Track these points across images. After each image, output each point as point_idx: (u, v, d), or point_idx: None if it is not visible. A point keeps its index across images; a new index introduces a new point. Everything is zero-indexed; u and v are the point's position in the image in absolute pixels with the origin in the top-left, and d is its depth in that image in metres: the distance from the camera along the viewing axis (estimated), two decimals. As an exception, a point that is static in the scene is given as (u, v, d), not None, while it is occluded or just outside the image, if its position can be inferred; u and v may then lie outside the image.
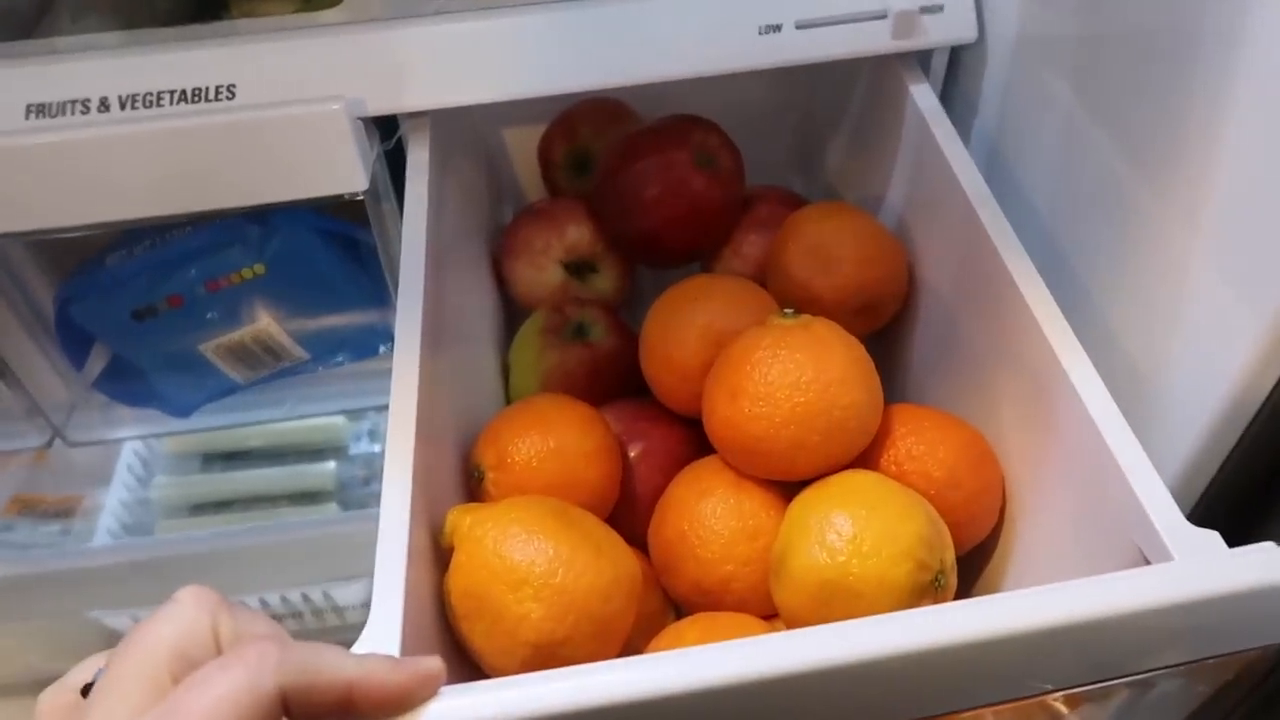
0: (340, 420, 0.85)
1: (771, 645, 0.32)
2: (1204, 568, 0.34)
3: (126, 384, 0.67)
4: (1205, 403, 0.43)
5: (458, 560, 0.43)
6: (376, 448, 0.87)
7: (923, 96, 0.58)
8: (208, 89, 0.53)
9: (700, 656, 0.32)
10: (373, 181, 0.55)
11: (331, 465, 0.82)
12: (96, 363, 0.66)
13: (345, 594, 0.77)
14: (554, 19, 0.55)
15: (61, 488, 0.84)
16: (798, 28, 0.56)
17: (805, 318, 0.49)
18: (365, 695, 0.29)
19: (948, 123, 0.56)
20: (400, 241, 0.50)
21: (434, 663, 0.31)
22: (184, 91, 0.53)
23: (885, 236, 0.58)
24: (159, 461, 0.84)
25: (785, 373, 0.46)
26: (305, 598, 0.76)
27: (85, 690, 0.31)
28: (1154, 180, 0.45)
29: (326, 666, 0.29)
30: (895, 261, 0.58)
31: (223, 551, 0.72)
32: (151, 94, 0.53)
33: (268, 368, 0.67)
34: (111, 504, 0.80)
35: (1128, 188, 0.47)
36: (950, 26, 0.58)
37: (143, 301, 0.62)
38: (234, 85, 0.53)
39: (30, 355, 0.66)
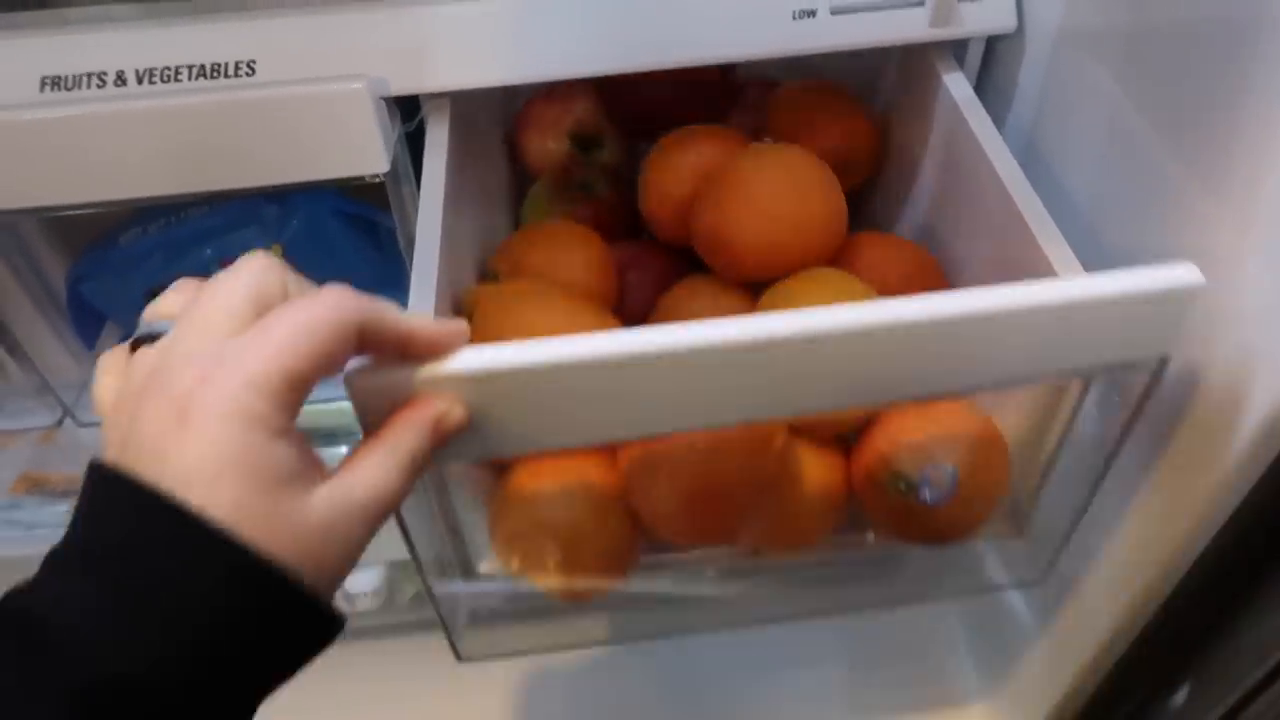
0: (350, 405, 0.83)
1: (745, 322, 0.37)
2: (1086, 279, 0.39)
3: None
4: (1256, 404, 0.42)
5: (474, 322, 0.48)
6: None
7: (957, 85, 0.56)
8: (227, 65, 0.51)
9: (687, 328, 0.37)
10: (394, 163, 0.53)
11: (344, 450, 0.81)
12: (108, 341, 0.65)
13: (355, 581, 0.76)
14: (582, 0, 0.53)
15: (70, 467, 0.83)
16: (833, 13, 0.54)
17: (781, 144, 0.56)
18: (416, 340, 0.36)
19: (983, 113, 0.55)
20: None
21: (462, 324, 0.37)
22: (202, 67, 0.51)
23: (856, 114, 0.64)
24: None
25: (763, 181, 0.54)
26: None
27: (135, 345, 0.34)
28: (1205, 178, 0.43)
29: (389, 313, 0.34)
30: (864, 130, 0.64)
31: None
32: (170, 68, 0.51)
33: None
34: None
35: (1176, 186, 0.46)
36: (989, 16, 0.56)
37: (156, 280, 0.61)
38: (254, 61, 0.51)
39: (41, 333, 0.65)
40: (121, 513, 0.30)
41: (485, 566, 0.53)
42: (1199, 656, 0.57)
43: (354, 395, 0.36)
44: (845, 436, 0.54)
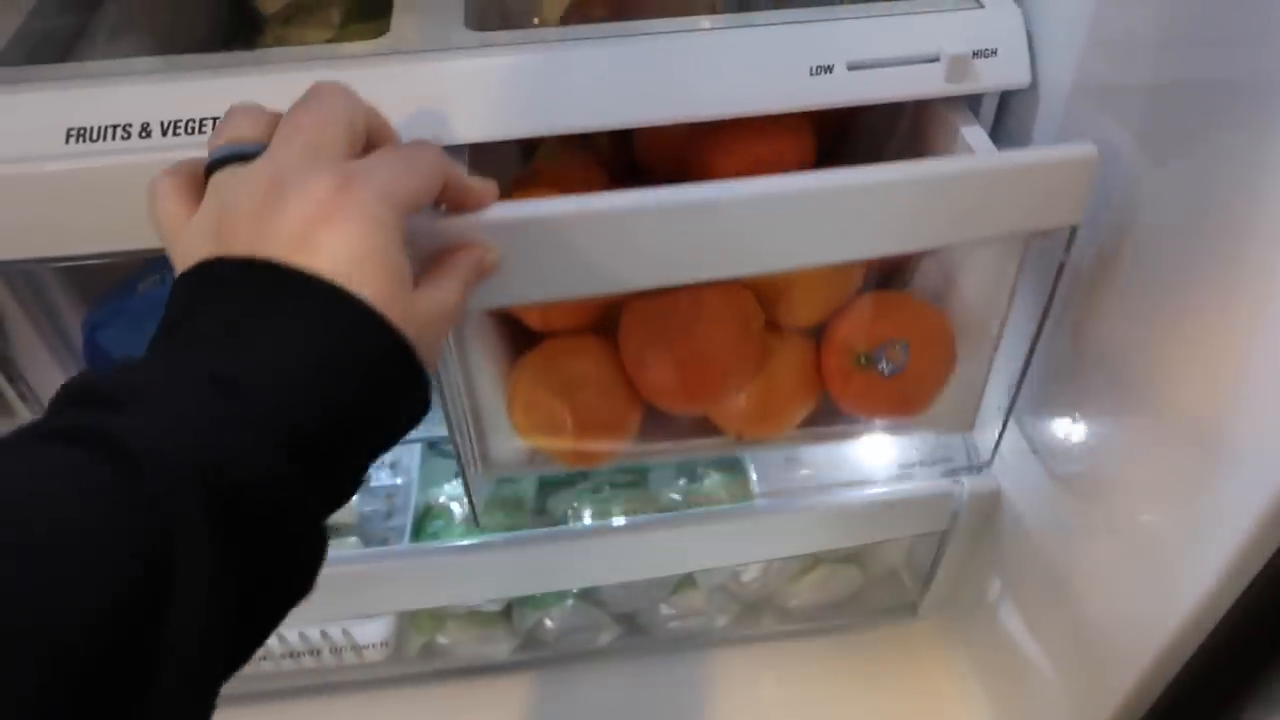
0: None
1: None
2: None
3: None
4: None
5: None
6: (399, 480, 0.85)
7: (974, 137, 0.57)
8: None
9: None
10: (413, 215, 0.54)
11: (352, 497, 0.81)
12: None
13: (365, 633, 0.75)
14: (600, 54, 0.54)
15: None
16: (849, 69, 0.55)
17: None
18: (470, 194, 0.44)
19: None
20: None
21: (493, 184, 0.46)
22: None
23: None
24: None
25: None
26: (324, 635, 0.75)
27: (210, 169, 0.39)
28: (1218, 248, 0.44)
29: (458, 169, 0.44)
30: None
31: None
32: (194, 120, 0.52)
33: None
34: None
35: (1191, 253, 0.46)
36: (1004, 71, 0.57)
37: (173, 329, 0.61)
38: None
39: (56, 381, 0.65)
40: (291, 294, 0.35)
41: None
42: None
43: (423, 235, 0.44)
44: (815, 331, 0.63)
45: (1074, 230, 0.53)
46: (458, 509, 0.81)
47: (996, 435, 0.68)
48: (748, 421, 0.63)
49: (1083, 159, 0.50)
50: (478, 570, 0.72)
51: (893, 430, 0.69)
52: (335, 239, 0.35)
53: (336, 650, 0.77)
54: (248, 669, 0.75)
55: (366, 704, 0.81)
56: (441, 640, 0.82)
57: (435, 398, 0.49)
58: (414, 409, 0.38)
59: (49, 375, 0.64)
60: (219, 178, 0.38)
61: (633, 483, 0.83)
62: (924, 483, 0.75)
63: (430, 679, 0.83)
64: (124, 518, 0.29)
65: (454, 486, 0.83)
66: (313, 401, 0.34)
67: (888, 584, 0.89)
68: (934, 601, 0.86)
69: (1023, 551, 0.73)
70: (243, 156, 0.38)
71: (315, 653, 0.77)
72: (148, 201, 0.41)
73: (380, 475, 0.84)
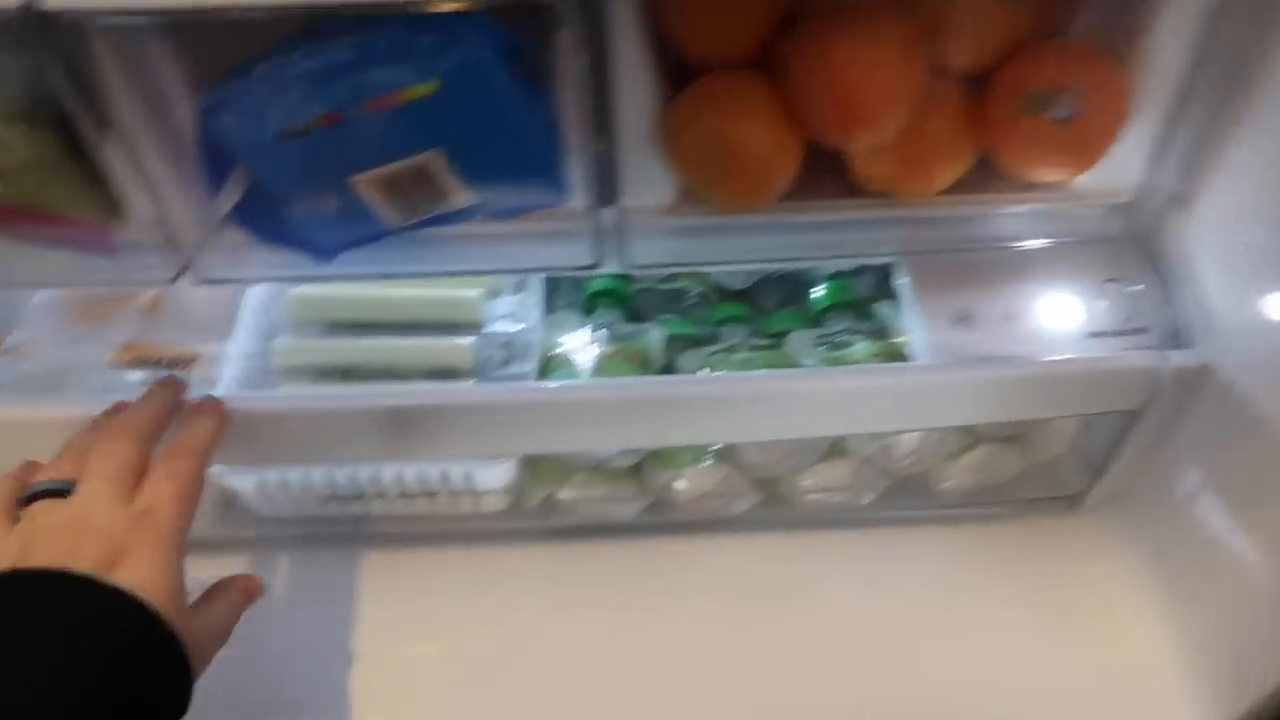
0: (476, 295, 0.76)
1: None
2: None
3: (265, 217, 0.59)
4: None
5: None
6: (516, 327, 0.78)
7: None
8: None
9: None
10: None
11: (469, 340, 0.74)
12: (235, 189, 0.58)
13: (486, 476, 0.70)
14: None
15: (178, 340, 0.78)
16: None
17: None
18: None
19: None
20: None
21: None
22: None
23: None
24: (282, 326, 0.77)
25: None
26: (445, 476, 0.69)
27: (34, 498, 0.49)
28: None
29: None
30: None
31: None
32: None
33: (423, 211, 0.59)
34: (230, 361, 0.73)
35: None
36: None
37: (293, 118, 0.53)
38: None
39: (161, 178, 0.58)
40: (83, 595, 0.45)
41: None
42: None
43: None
44: (977, 82, 0.59)
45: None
46: (582, 359, 0.74)
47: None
48: (900, 169, 0.60)
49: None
50: (607, 416, 0.66)
51: (1047, 199, 0.63)
52: (128, 568, 0.46)
53: (454, 495, 0.72)
54: (354, 507, 0.71)
55: (479, 558, 0.75)
56: (564, 495, 0.76)
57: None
58: (179, 707, 0.46)
59: (153, 169, 0.57)
60: (34, 508, 0.49)
61: (770, 347, 0.75)
62: (1119, 354, 0.65)
63: (548, 536, 0.78)
64: None
65: (575, 338, 0.76)
66: (90, 689, 0.42)
67: (1050, 471, 0.80)
68: (1104, 493, 0.77)
69: (1228, 439, 0.64)
70: (56, 492, 0.49)
71: (431, 494, 0.72)
72: None
73: (496, 323, 0.77)
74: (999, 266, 0.68)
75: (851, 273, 0.79)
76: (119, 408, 0.57)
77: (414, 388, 0.69)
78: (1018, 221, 0.65)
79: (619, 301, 0.78)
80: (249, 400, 0.63)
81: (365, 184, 0.56)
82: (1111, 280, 0.67)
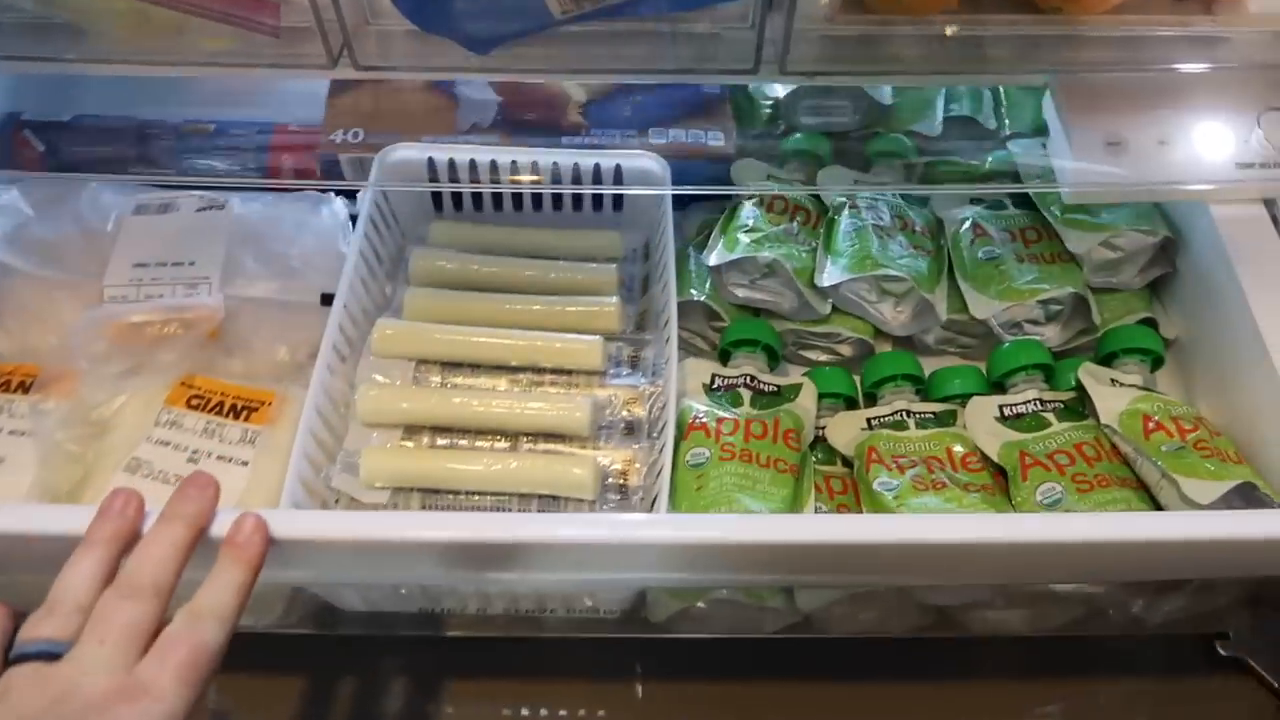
0: (595, 342, 0.67)
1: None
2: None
3: (428, 3, 0.58)
4: None
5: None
6: (642, 383, 0.67)
7: None
8: None
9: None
10: None
11: (587, 402, 0.64)
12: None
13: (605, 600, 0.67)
14: None
15: (246, 374, 0.68)
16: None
17: None
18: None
19: None
20: None
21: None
22: None
23: None
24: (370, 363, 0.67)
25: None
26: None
27: (17, 660, 0.42)
28: None
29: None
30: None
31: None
32: None
33: (589, 1, 0.57)
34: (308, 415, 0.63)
35: None
36: None
37: None
38: None
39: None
40: None
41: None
42: None
43: None
44: None
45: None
46: (718, 423, 0.64)
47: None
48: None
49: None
50: (771, 559, 0.54)
51: (1217, 20, 0.59)
52: None
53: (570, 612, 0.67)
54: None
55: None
56: (700, 606, 0.66)
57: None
58: None
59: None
60: (16, 678, 0.42)
61: (942, 418, 0.68)
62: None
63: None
64: None
65: (706, 401, 0.67)
66: None
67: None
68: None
69: None
70: (48, 655, 0.42)
71: (543, 611, 0.68)
72: None
73: (620, 373, 0.67)
74: (1153, 91, 0.65)
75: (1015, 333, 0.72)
76: (134, 509, 0.48)
77: (508, 523, 0.53)
78: (1180, 45, 0.63)
79: (762, 349, 0.70)
80: (304, 524, 0.52)
81: (530, -34, 0.54)
82: (1274, 109, 0.66)
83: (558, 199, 0.77)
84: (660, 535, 0.53)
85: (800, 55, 0.59)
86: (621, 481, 0.63)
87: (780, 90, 0.80)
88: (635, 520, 0.58)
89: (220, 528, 0.49)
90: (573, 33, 0.57)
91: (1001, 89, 0.85)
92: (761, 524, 0.54)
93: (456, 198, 0.77)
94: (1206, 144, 0.64)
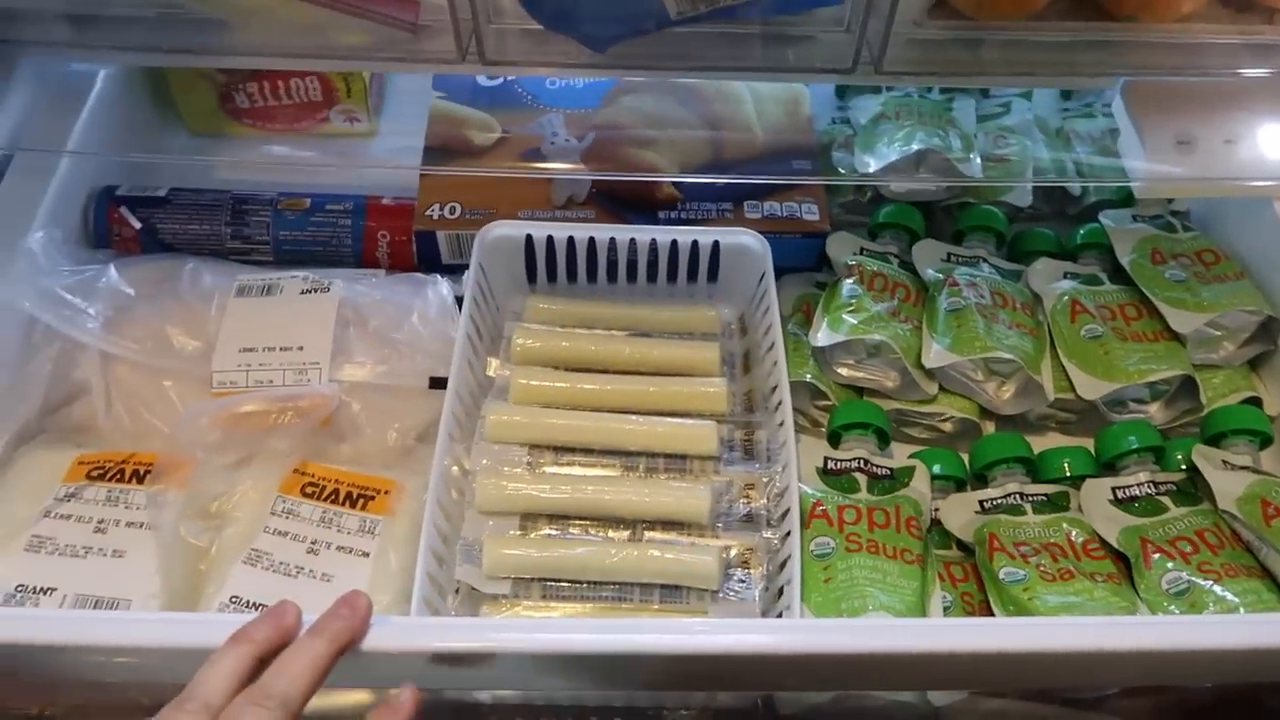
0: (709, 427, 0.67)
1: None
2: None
3: (552, 2, 0.59)
4: None
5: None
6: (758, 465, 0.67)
7: None
8: None
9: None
10: None
11: (707, 491, 0.64)
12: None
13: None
14: None
15: (359, 460, 0.67)
16: None
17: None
18: None
19: None
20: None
21: None
22: None
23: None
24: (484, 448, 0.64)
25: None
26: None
27: None
28: None
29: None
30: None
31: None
32: None
33: (705, 2, 0.57)
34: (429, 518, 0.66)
35: None
36: None
37: None
38: None
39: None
40: None
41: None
42: None
43: None
44: None
45: None
46: (839, 511, 0.64)
47: None
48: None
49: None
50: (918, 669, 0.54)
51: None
52: None
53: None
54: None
55: None
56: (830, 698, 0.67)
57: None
58: None
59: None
60: None
61: (1054, 501, 0.67)
62: None
63: None
64: None
65: (822, 485, 0.67)
66: None
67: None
68: None
69: None
70: None
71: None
72: None
73: (731, 454, 0.67)
74: (1219, 95, 0.68)
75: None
76: (293, 619, 0.48)
77: (636, 629, 0.53)
78: (1243, 52, 0.65)
79: (874, 431, 0.69)
80: (405, 636, 0.50)
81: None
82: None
83: (653, 270, 0.77)
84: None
85: (894, 57, 0.62)
86: (744, 571, 0.63)
87: (872, 164, 0.80)
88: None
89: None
90: (679, 34, 0.61)
91: (1084, 158, 0.85)
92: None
93: (550, 269, 0.77)
94: (1271, 143, 0.67)
